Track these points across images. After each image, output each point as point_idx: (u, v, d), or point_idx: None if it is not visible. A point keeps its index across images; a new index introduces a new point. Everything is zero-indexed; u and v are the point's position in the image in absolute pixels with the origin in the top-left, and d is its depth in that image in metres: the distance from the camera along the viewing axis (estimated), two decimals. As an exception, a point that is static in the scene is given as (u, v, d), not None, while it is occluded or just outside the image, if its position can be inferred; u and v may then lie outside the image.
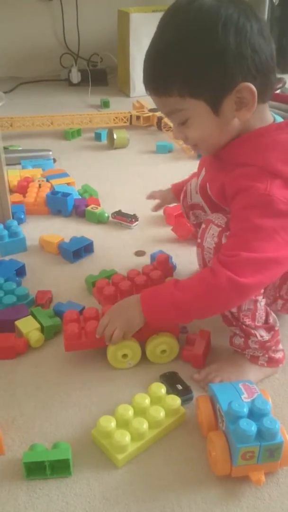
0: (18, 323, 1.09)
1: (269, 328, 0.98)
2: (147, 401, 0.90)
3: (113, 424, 0.86)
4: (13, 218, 1.50)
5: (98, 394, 0.97)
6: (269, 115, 0.92)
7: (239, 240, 0.88)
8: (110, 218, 1.57)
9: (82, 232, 1.47)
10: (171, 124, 2.11)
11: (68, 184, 1.72)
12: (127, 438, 0.84)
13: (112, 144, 2.13)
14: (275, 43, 0.89)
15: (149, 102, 2.33)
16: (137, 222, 1.54)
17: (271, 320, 0.99)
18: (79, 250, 1.38)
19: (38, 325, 1.09)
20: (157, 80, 0.87)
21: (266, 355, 0.99)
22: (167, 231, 1.48)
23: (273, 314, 1.00)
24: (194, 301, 0.92)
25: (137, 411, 0.89)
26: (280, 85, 1.26)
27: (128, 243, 1.46)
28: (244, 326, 0.96)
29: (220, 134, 0.89)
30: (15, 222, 1.46)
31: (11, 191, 1.65)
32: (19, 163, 1.90)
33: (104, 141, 2.20)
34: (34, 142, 2.18)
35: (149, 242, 1.45)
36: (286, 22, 2.96)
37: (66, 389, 0.99)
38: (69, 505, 0.79)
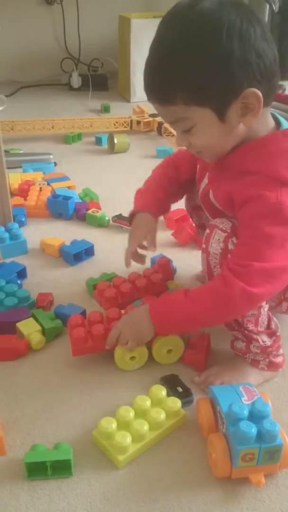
0: (20, 325, 1.10)
1: (271, 333, 0.99)
2: (148, 403, 0.90)
3: (114, 425, 0.86)
4: (14, 221, 1.50)
5: (99, 395, 0.98)
6: (270, 118, 0.92)
7: (250, 249, 0.87)
8: (111, 222, 1.58)
9: (83, 236, 1.48)
10: (171, 130, 2.12)
11: (69, 187, 1.73)
12: (128, 439, 0.84)
13: (112, 149, 2.14)
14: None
15: (149, 107, 2.34)
16: (137, 226, 1.55)
17: (273, 326, 0.99)
18: (79, 253, 1.39)
19: (39, 327, 1.10)
20: (160, 89, 0.85)
21: (267, 359, 1.00)
22: (167, 235, 1.49)
23: (275, 319, 1.00)
24: (207, 313, 0.93)
25: (138, 412, 0.89)
26: (280, 91, 1.26)
27: (129, 246, 1.47)
28: (246, 332, 0.97)
29: (225, 140, 0.88)
30: (16, 225, 1.46)
31: (12, 194, 1.66)
32: (20, 167, 1.91)
33: (105, 145, 2.21)
34: (35, 145, 2.19)
35: (149, 246, 1.46)
36: (285, 28, 2.99)
37: (67, 391, 0.99)
38: (70, 505, 0.79)
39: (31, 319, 1.12)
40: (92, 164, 2.06)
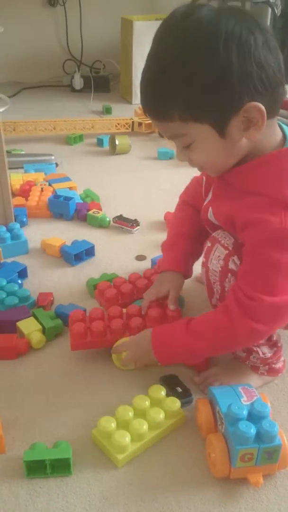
0: (20, 324, 1.10)
1: (272, 345, 0.97)
2: (147, 402, 0.91)
3: (113, 424, 0.87)
4: (15, 221, 1.51)
5: (98, 395, 0.98)
6: (277, 129, 0.87)
7: (258, 278, 0.83)
8: (112, 223, 1.59)
9: (84, 236, 1.49)
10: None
11: (70, 188, 1.74)
12: (127, 438, 0.84)
13: (114, 150, 2.14)
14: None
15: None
16: (138, 227, 1.56)
17: (274, 337, 0.97)
18: (80, 254, 1.39)
19: (39, 327, 1.10)
20: (156, 105, 0.82)
21: (267, 366, 0.99)
22: (168, 236, 1.49)
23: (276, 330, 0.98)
24: (208, 349, 0.91)
25: (137, 412, 0.90)
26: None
27: (129, 247, 1.48)
28: None
29: (228, 156, 0.84)
30: (17, 225, 1.47)
31: (14, 195, 1.66)
32: (22, 167, 1.92)
33: (106, 147, 2.22)
34: (36, 146, 2.19)
35: (150, 247, 1.47)
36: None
37: (67, 390, 1.00)
38: (69, 504, 0.80)
39: (31, 318, 1.12)
40: (93, 165, 2.06)
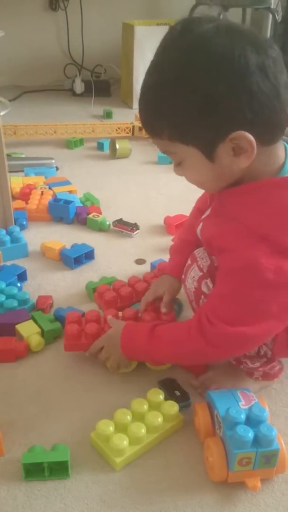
0: (19, 327, 1.11)
1: (262, 356, 0.94)
2: (145, 406, 0.91)
3: (111, 428, 0.87)
4: (15, 224, 1.51)
5: (97, 398, 0.98)
6: (279, 155, 0.81)
7: (223, 305, 0.83)
8: (111, 227, 1.59)
9: (84, 240, 1.49)
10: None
11: (70, 192, 1.74)
12: (125, 442, 0.85)
13: (114, 154, 2.15)
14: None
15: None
16: (138, 231, 1.56)
17: (262, 352, 0.94)
18: (80, 257, 1.39)
19: (38, 329, 1.10)
20: (147, 121, 0.81)
21: (260, 372, 0.98)
22: (168, 240, 1.49)
23: (266, 344, 0.93)
24: (165, 357, 0.95)
25: (136, 416, 0.90)
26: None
27: (129, 251, 1.48)
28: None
29: (218, 178, 0.82)
30: (17, 228, 1.47)
31: (14, 198, 1.66)
32: (22, 171, 1.92)
33: (107, 151, 2.23)
34: (37, 150, 2.20)
35: (149, 251, 1.47)
36: (288, 39, 3.01)
37: (65, 393, 1.00)
38: (67, 507, 0.80)
39: (30, 321, 1.12)
40: (93, 169, 2.07)
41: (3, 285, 1.23)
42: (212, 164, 0.78)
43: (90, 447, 0.88)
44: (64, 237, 1.53)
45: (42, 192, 1.72)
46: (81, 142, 2.29)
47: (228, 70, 0.71)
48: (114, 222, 1.59)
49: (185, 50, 0.73)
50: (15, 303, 1.18)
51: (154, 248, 1.48)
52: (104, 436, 0.86)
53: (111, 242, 1.53)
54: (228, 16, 2.67)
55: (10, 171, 1.47)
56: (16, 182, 1.78)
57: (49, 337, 1.11)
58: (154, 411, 0.90)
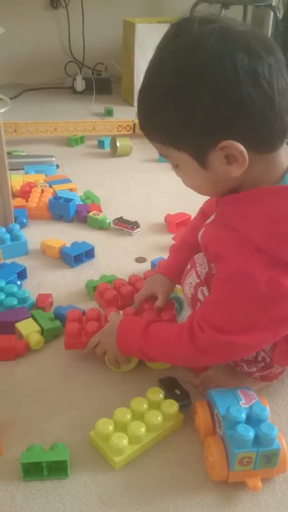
0: (19, 325, 1.10)
1: (259, 362, 0.93)
2: (145, 405, 0.90)
3: (111, 427, 0.86)
4: (15, 222, 1.50)
5: (96, 397, 0.98)
6: (281, 162, 0.79)
7: (215, 312, 0.83)
8: (112, 225, 1.58)
9: (84, 238, 1.48)
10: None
11: (70, 190, 1.73)
12: (125, 441, 0.84)
13: (115, 152, 2.14)
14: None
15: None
16: (138, 229, 1.55)
17: (260, 358, 0.92)
18: (80, 255, 1.39)
19: (38, 328, 1.10)
20: (142, 123, 0.80)
21: (258, 374, 0.96)
22: (168, 238, 1.49)
23: (264, 350, 0.92)
24: (156, 355, 0.94)
25: (135, 415, 0.89)
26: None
27: (129, 249, 1.47)
28: None
29: (214, 186, 0.80)
30: (17, 226, 1.46)
31: (14, 196, 1.66)
32: (22, 168, 1.91)
33: (107, 148, 2.22)
34: (37, 148, 2.19)
35: (150, 249, 1.46)
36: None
37: (64, 391, 0.99)
38: (66, 507, 0.79)
39: (30, 320, 1.12)
40: (94, 167, 2.06)
41: (3, 283, 1.22)
42: (205, 171, 0.77)
43: (89, 446, 0.88)
44: (64, 235, 1.52)
45: (42, 190, 1.71)
46: (81, 140, 2.28)
47: (214, 79, 0.69)
48: (114, 220, 1.59)
49: (175, 56, 0.72)
50: (14, 301, 1.17)
51: (155, 246, 1.48)
52: (104, 435, 0.85)
53: (111, 240, 1.52)
54: (229, 14, 2.66)
55: (10, 169, 1.47)
56: (17, 180, 1.77)
57: (49, 336, 1.10)
58: (154, 410, 0.89)
